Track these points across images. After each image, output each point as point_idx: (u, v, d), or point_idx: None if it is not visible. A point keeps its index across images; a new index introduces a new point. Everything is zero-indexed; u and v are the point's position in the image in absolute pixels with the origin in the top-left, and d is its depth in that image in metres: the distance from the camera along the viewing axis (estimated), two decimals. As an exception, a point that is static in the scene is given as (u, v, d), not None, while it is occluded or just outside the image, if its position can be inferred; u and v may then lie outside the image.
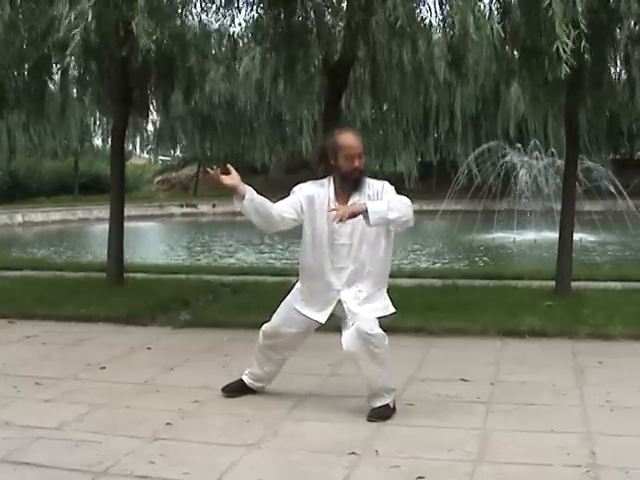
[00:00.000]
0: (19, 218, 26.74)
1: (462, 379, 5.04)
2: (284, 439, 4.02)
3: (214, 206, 31.37)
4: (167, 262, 14.58)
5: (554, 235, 8.94)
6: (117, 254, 9.13)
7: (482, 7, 6.72)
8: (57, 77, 9.71)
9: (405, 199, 4.24)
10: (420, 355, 5.76)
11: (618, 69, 7.78)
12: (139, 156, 41.64)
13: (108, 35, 7.51)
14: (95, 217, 26.33)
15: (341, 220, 4.02)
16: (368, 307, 4.28)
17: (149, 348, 6.18)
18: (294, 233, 4.63)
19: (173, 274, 9.94)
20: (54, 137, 30.97)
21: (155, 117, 30.19)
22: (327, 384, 5.07)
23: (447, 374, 5.19)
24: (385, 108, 11.52)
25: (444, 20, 7.21)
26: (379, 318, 4.29)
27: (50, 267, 10.79)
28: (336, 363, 5.37)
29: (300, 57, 8.25)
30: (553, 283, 7.87)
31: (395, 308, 4.43)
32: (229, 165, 4.18)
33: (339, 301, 4.32)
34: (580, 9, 5.21)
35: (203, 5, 8.45)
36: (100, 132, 32.59)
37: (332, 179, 4.36)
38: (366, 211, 4.02)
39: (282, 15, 7.94)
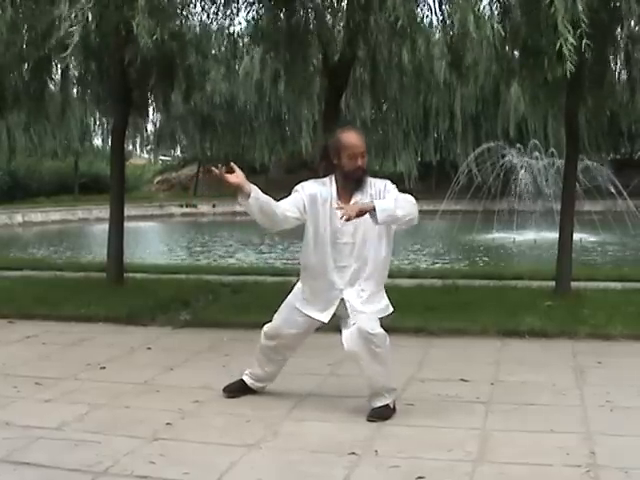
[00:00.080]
0: (19, 218, 26.75)
1: (462, 379, 5.04)
2: (284, 439, 4.02)
3: (214, 206, 31.41)
4: (167, 262, 14.58)
5: (554, 235, 8.94)
6: (117, 254, 9.13)
7: (482, 7, 6.73)
8: (57, 77, 9.71)
9: (410, 197, 4.25)
10: (420, 355, 5.76)
11: (618, 69, 7.78)
12: (139, 156, 41.67)
13: (108, 35, 7.51)
14: (95, 217, 26.34)
15: (349, 219, 4.01)
16: (370, 306, 4.28)
17: (149, 348, 6.17)
18: (295, 234, 4.63)
19: (173, 274, 9.94)
20: (54, 137, 31.00)
21: (155, 117, 30.31)
22: (327, 384, 5.07)
23: (447, 374, 5.18)
24: (385, 108, 11.48)
25: (444, 20, 7.21)
26: (380, 318, 4.30)
27: (50, 267, 10.80)
28: (336, 363, 5.37)
29: (300, 57, 8.25)
30: (553, 283, 7.87)
31: (395, 308, 4.44)
32: (232, 163, 4.14)
33: (341, 300, 4.31)
34: (581, 8, 5.21)
35: (203, 5, 8.46)
36: (100, 132, 32.63)
37: (334, 178, 4.36)
38: (374, 209, 4.03)
39: (282, 15, 7.95)
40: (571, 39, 5.12)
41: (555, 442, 3.84)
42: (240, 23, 9.34)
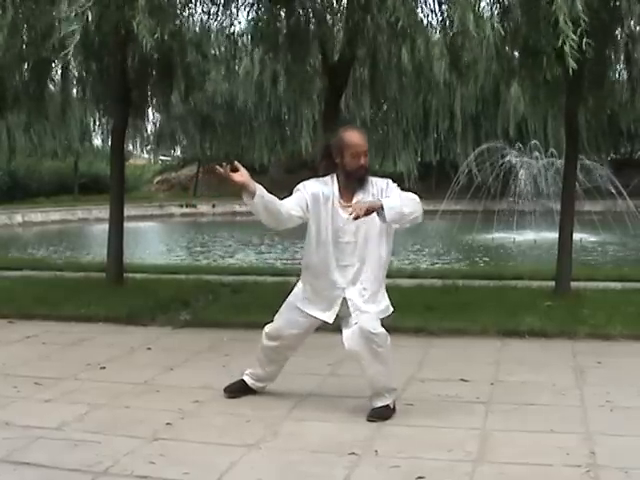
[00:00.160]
0: (19, 218, 26.73)
1: (462, 379, 5.04)
2: (284, 439, 4.02)
3: (214, 206, 31.41)
4: (167, 262, 14.57)
5: (554, 235, 8.94)
6: (117, 254, 9.13)
7: (482, 7, 6.73)
8: (57, 77, 9.71)
9: (414, 195, 4.27)
10: (420, 355, 5.76)
11: (618, 69, 7.79)
12: (139, 156, 41.65)
13: (108, 35, 7.51)
14: (95, 217, 26.32)
15: (357, 217, 4.00)
16: (372, 306, 4.27)
17: (149, 348, 6.17)
18: (295, 234, 4.63)
19: (173, 274, 9.94)
20: (54, 137, 30.94)
21: (155, 117, 30.29)
22: (327, 384, 5.07)
23: (447, 374, 5.19)
24: (385, 108, 11.49)
25: (444, 20, 7.21)
26: (380, 318, 4.29)
27: (50, 267, 10.79)
28: (336, 363, 5.38)
29: (300, 57, 8.25)
30: (553, 283, 7.87)
31: (395, 308, 4.44)
32: (237, 162, 4.11)
33: (343, 299, 4.30)
34: (580, 7, 5.21)
35: (203, 6, 8.46)
36: (100, 132, 32.54)
37: (335, 177, 4.35)
38: (381, 207, 4.03)
39: (282, 15, 7.95)
40: (573, 36, 5.12)
41: (555, 442, 3.84)
42: (240, 23, 9.33)
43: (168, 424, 4.23)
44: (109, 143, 11.53)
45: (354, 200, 4.23)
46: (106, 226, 9.56)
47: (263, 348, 4.64)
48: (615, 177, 19.81)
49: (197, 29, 9.49)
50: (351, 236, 4.28)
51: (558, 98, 7.92)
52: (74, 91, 10.94)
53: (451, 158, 30.34)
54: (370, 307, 4.26)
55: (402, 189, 4.38)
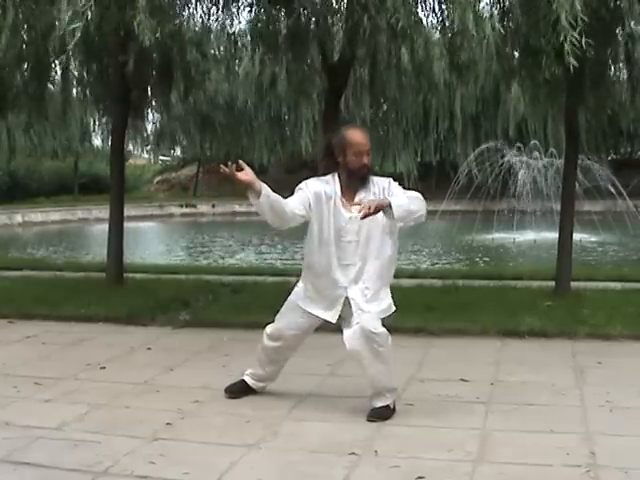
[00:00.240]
0: (19, 218, 26.72)
1: (462, 379, 5.04)
2: (284, 439, 4.02)
3: (214, 206, 31.43)
4: (167, 262, 14.57)
5: (554, 235, 8.94)
6: (117, 254, 9.13)
7: (482, 7, 6.73)
8: (57, 77, 9.71)
9: (418, 194, 4.29)
10: (420, 355, 5.76)
11: (618, 68, 7.78)
12: (139, 156, 41.66)
13: (108, 35, 7.51)
14: (95, 217, 26.32)
15: (366, 215, 4.00)
16: (374, 305, 4.27)
17: (149, 348, 6.17)
18: (296, 234, 4.63)
19: (173, 274, 9.94)
20: (54, 137, 30.97)
21: (155, 117, 30.33)
22: (327, 384, 5.07)
23: (447, 374, 5.19)
24: (385, 108, 11.50)
25: (443, 20, 7.20)
26: (384, 316, 4.29)
27: (50, 267, 10.79)
28: (336, 363, 5.38)
29: (300, 57, 8.25)
30: (553, 283, 7.87)
31: (395, 308, 4.43)
32: (241, 161, 4.08)
33: (345, 298, 4.29)
34: (579, 7, 5.21)
35: (203, 6, 8.46)
36: (100, 132, 32.58)
37: (337, 176, 4.35)
38: (389, 205, 4.04)
39: (281, 15, 7.94)
40: (574, 33, 5.11)
41: (555, 442, 3.85)
42: (240, 22, 9.34)
43: (168, 424, 4.23)
44: (109, 143, 11.53)
45: (356, 199, 4.24)
46: (106, 226, 9.56)
47: (264, 348, 4.63)
48: (615, 177, 19.81)
49: (197, 29, 9.49)
50: (353, 235, 4.28)
51: (558, 98, 7.92)
52: (74, 91, 10.93)
53: (451, 158, 30.33)
54: (372, 306, 4.25)
55: (403, 189, 4.38)
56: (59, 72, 9.49)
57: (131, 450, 3.82)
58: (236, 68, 18.42)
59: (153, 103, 10.86)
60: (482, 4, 6.67)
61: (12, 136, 28.86)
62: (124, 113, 9.27)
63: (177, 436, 4.05)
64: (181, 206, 31.82)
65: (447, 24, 6.97)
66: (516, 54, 7.36)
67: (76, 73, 9.91)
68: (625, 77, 7.78)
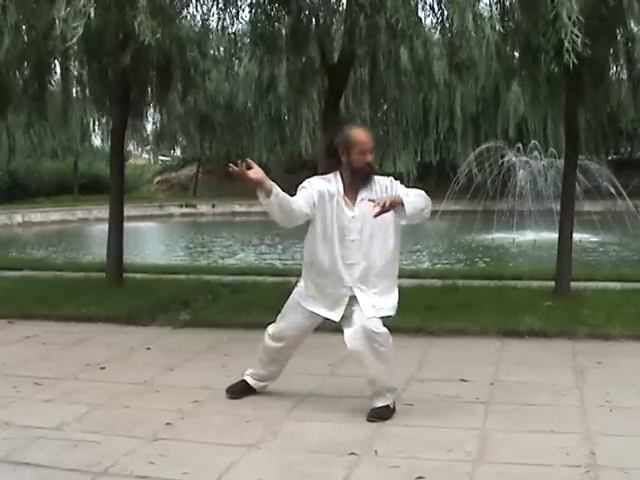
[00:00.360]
0: (18, 218, 26.72)
1: (462, 379, 5.04)
2: (284, 439, 4.02)
3: (213, 206, 31.45)
4: (167, 262, 14.57)
5: (554, 235, 8.94)
6: (117, 254, 9.13)
7: (482, 6, 6.73)
8: (57, 77, 9.71)
9: (422, 191, 4.31)
10: (420, 355, 5.76)
11: (618, 68, 7.78)
12: (139, 156, 41.66)
13: (108, 35, 7.51)
14: (95, 217, 26.31)
15: (381, 212, 4.01)
16: (378, 305, 4.26)
17: (149, 348, 6.17)
18: (296, 235, 4.63)
19: (173, 274, 9.94)
20: (54, 137, 30.95)
21: (155, 117, 30.30)
22: (327, 384, 5.07)
23: (447, 374, 5.19)
24: (385, 108, 11.49)
25: (442, 20, 7.20)
26: (384, 317, 4.29)
27: (50, 267, 10.79)
28: (336, 363, 5.38)
29: (299, 58, 8.25)
30: (553, 283, 7.87)
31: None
32: (249, 160, 4.07)
33: (349, 298, 4.29)
34: (576, 7, 5.20)
35: (204, 6, 8.46)
36: (100, 132, 32.58)
37: (339, 175, 4.35)
38: (401, 202, 4.06)
39: (281, 15, 7.94)
40: (575, 30, 5.11)
41: (555, 442, 3.85)
42: (240, 23, 9.32)
43: (168, 424, 4.23)
44: (109, 143, 11.53)
45: (359, 198, 4.26)
46: (106, 226, 9.56)
47: (265, 348, 4.63)
48: (615, 177, 19.82)
49: (197, 29, 9.49)
50: (356, 234, 4.28)
51: (558, 98, 7.92)
52: (74, 91, 10.93)
53: (451, 158, 30.31)
54: (376, 306, 4.25)
55: (405, 187, 4.40)
56: (59, 72, 9.49)
57: (131, 450, 3.82)
58: (236, 68, 18.38)
59: (153, 103, 10.84)
60: (482, 4, 6.67)
61: (12, 136, 28.83)
62: (124, 113, 9.27)
63: (177, 436, 4.05)
64: (181, 206, 31.82)
65: (447, 24, 6.97)
66: (516, 54, 7.36)
67: (76, 73, 9.90)
68: (625, 77, 7.78)
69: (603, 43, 6.77)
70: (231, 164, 4.01)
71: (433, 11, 7.48)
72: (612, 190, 19.30)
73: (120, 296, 8.00)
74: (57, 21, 5.22)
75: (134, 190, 33.92)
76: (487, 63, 12.39)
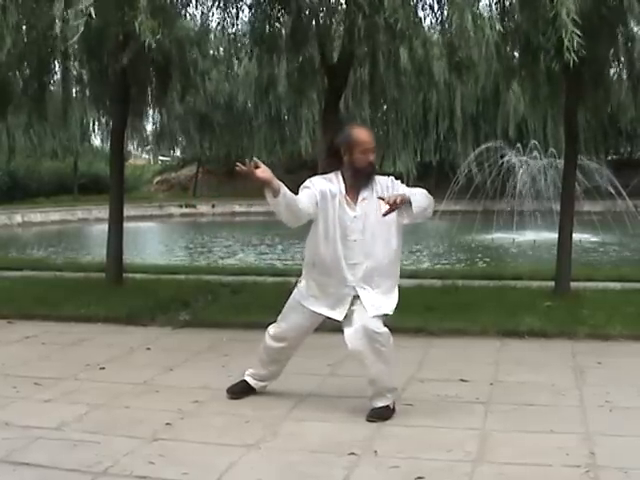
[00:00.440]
0: (18, 218, 26.71)
1: (461, 379, 5.04)
2: (284, 439, 4.02)
3: (213, 206, 31.44)
4: (167, 262, 14.57)
5: (554, 235, 8.94)
6: (116, 254, 9.13)
7: (482, 7, 6.73)
8: (57, 77, 9.71)
9: (424, 190, 4.31)
10: (420, 355, 5.76)
11: (618, 68, 7.78)
12: (139, 156, 41.66)
13: (108, 36, 7.51)
14: (94, 217, 26.31)
15: (391, 210, 4.03)
16: (380, 304, 4.26)
17: (148, 348, 6.17)
18: (296, 235, 4.62)
19: (172, 274, 9.94)
20: (54, 137, 30.95)
21: (155, 117, 30.30)
22: (327, 384, 5.07)
23: (446, 374, 5.19)
24: (385, 108, 11.50)
25: (442, 20, 7.20)
26: (384, 316, 4.29)
27: (50, 267, 10.79)
28: (335, 363, 5.38)
29: (299, 58, 8.25)
30: (552, 283, 7.87)
31: (395, 308, 4.43)
32: (256, 159, 4.05)
33: (351, 297, 4.29)
34: (573, 7, 5.20)
35: (204, 6, 8.46)
36: (100, 132, 32.59)
37: (340, 174, 4.35)
38: (409, 201, 4.08)
39: (281, 15, 7.94)
40: (575, 29, 5.11)
41: (554, 442, 3.85)
42: (240, 23, 9.32)
43: (168, 424, 4.23)
44: (109, 143, 11.53)
45: (360, 197, 4.27)
46: (106, 226, 9.56)
47: (266, 349, 4.63)
48: (615, 177, 19.81)
49: (197, 29, 9.49)
50: (358, 234, 4.28)
51: (558, 98, 7.92)
52: (74, 91, 10.93)
53: (451, 158, 30.30)
54: (377, 306, 4.25)
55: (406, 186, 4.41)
56: (59, 72, 9.49)
57: (131, 450, 3.82)
58: (236, 68, 18.39)
59: (153, 103, 10.84)
60: (482, 3, 6.67)
61: (12, 136, 28.83)
62: (124, 113, 9.27)
63: (177, 436, 4.05)
64: (181, 206, 31.82)
65: (446, 24, 6.97)
66: (516, 54, 7.36)
67: (76, 73, 9.90)
68: (625, 77, 7.78)
69: (603, 43, 6.77)
70: (238, 163, 4.00)
71: (432, 11, 7.49)
72: (612, 190, 19.29)
73: (120, 296, 8.00)
74: (57, 21, 5.21)
75: (134, 190, 33.91)
76: (487, 63, 12.40)
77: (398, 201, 4.03)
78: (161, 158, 42.11)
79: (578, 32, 5.17)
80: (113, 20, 6.18)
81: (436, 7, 7.40)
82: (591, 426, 4.10)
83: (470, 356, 5.77)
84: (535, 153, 21.02)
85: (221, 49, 10.42)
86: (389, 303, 4.32)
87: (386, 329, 4.24)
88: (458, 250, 17.26)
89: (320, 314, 4.40)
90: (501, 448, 3.82)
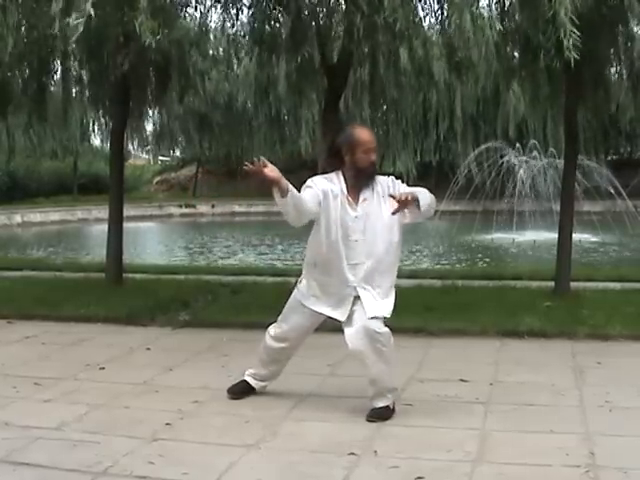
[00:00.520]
0: (18, 218, 26.70)
1: (461, 379, 5.04)
2: (283, 439, 4.02)
3: (213, 206, 31.43)
4: (166, 262, 14.57)
5: (553, 235, 8.94)
6: (116, 254, 9.12)
7: (481, 7, 6.73)
8: (57, 77, 9.71)
9: (426, 190, 4.32)
10: (419, 355, 5.76)
11: (618, 68, 7.78)
12: (139, 156, 41.65)
13: (108, 36, 7.51)
14: (94, 217, 26.29)
15: (400, 209, 4.06)
16: (380, 304, 4.26)
17: (148, 348, 6.17)
18: (296, 235, 4.63)
19: (172, 274, 9.93)
20: (53, 137, 30.94)
21: (154, 118, 30.31)
22: (327, 384, 5.07)
23: (446, 374, 5.19)
24: (384, 108, 11.51)
25: (442, 20, 7.21)
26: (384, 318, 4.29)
27: (50, 267, 10.79)
28: (335, 363, 5.38)
29: (299, 57, 8.25)
30: (552, 283, 7.87)
31: (394, 308, 4.42)
32: (263, 158, 4.04)
33: (353, 297, 4.29)
34: (570, 7, 5.21)
35: (203, 7, 8.46)
36: (99, 132, 32.58)
37: (341, 174, 4.35)
38: (417, 200, 4.10)
39: (280, 15, 7.95)
40: (574, 29, 5.11)
41: (554, 442, 3.85)
42: (240, 23, 9.32)
43: (167, 424, 4.23)
44: (108, 143, 11.53)
45: (361, 197, 4.27)
46: (105, 226, 9.56)
47: (267, 349, 4.63)
48: (614, 177, 19.82)
49: (196, 29, 9.49)
50: (360, 234, 4.28)
51: (558, 98, 7.92)
52: (74, 91, 10.93)
53: (451, 158, 30.29)
54: (378, 306, 4.25)
55: (406, 185, 4.42)
56: (59, 72, 9.49)
57: (130, 450, 3.82)
58: (235, 68, 18.41)
59: (152, 103, 10.84)
60: (482, 3, 6.68)
61: (12, 136, 28.81)
62: (124, 114, 9.27)
63: (176, 436, 4.05)
64: (180, 206, 31.81)
65: (446, 24, 6.97)
66: (516, 54, 7.36)
67: (76, 73, 9.90)
68: (625, 76, 7.78)
69: (603, 42, 6.77)
70: (247, 162, 3.99)
71: (432, 11, 7.50)
72: (612, 190, 19.30)
73: (120, 296, 8.00)
74: (57, 21, 5.21)
75: (134, 190, 33.88)
76: (487, 63, 12.38)
77: (409, 199, 4.04)
78: (161, 158, 42.09)
79: (576, 31, 5.17)
80: (113, 20, 6.18)
81: (436, 7, 7.42)
82: (591, 426, 4.10)
83: (470, 356, 5.77)
84: (535, 153, 21.01)
85: (221, 49, 10.43)
86: (389, 303, 4.32)
87: (387, 329, 4.24)
88: (458, 250, 17.26)
89: (322, 314, 4.40)
90: (501, 448, 3.82)
